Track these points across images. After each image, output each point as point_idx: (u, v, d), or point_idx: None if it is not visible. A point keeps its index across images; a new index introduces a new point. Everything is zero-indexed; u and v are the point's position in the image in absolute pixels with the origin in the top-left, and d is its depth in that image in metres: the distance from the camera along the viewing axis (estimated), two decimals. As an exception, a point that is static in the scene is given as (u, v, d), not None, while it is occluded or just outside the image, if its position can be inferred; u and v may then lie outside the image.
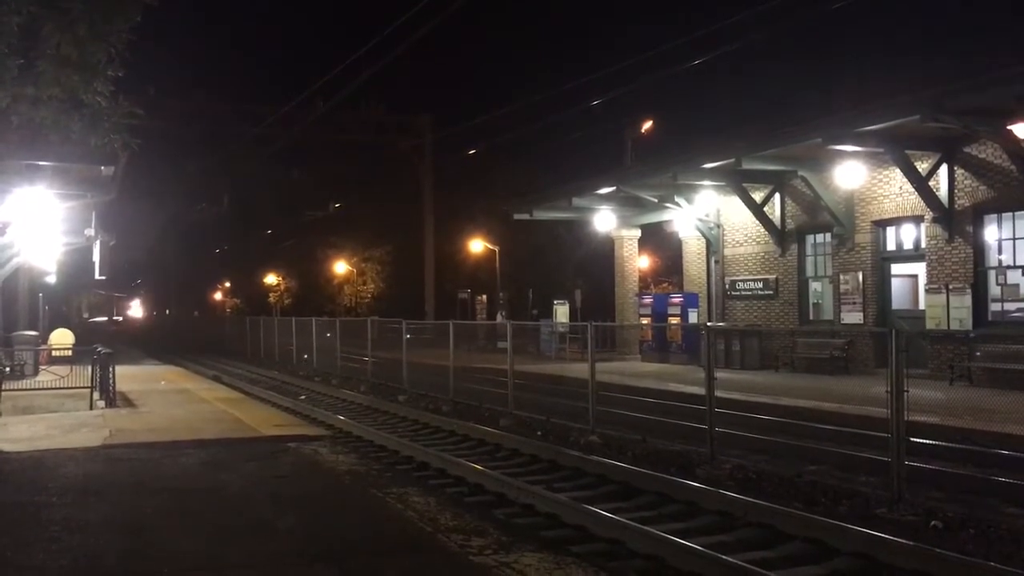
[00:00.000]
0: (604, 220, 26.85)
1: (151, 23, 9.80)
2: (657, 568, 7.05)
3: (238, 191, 62.75)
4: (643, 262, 34.68)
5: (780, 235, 22.05)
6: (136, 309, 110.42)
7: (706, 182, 22.33)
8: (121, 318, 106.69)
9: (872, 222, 19.69)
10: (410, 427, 15.54)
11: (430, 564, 6.00)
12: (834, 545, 7.26)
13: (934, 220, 18.01)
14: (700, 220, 23.88)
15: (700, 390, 12.41)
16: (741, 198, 21.99)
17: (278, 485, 8.45)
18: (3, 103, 9.20)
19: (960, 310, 17.30)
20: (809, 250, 21.89)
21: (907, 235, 19.40)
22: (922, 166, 17.87)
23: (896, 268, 20.06)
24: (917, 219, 18.75)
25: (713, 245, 24.12)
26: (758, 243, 22.81)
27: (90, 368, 16.32)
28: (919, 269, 19.22)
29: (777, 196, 22.02)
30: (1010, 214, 17.05)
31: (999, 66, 14.94)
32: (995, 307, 17.23)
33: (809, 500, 8.97)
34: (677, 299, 25.06)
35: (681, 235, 25.89)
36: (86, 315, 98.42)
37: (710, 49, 26.23)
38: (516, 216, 30.02)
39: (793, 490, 9.35)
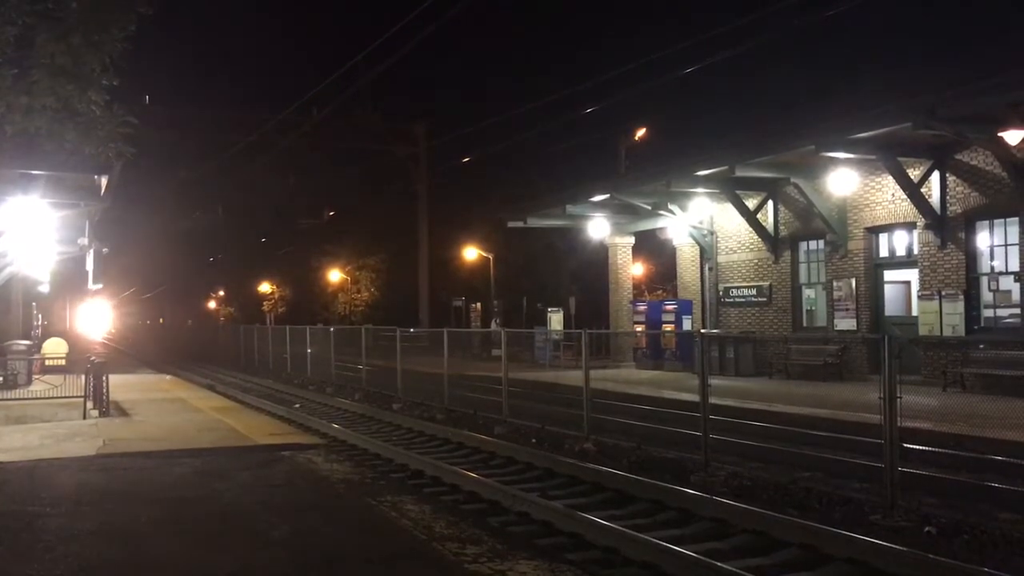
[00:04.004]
0: (598, 227, 26.89)
1: (145, 31, 9.82)
2: None
3: (232, 199, 62.66)
4: (637, 269, 34.69)
5: (773, 242, 22.11)
6: (105, 318, 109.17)
7: (700, 189, 22.39)
8: (110, 328, 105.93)
9: (865, 229, 19.76)
10: (405, 435, 15.53)
11: (425, 572, 6.00)
12: (828, 551, 7.29)
13: (926, 227, 18.09)
14: (694, 227, 23.95)
15: (694, 397, 12.45)
16: (735, 205, 22.06)
17: (272, 494, 8.44)
18: (-2, 112, 9.22)
19: (953, 316, 17.37)
20: (802, 257, 21.95)
21: (900, 242, 19.47)
22: (914, 173, 17.96)
23: (889, 275, 20.13)
24: (910, 226, 18.82)
25: (707, 252, 24.17)
26: (752, 250, 22.87)
27: (83, 377, 16.27)
28: (912, 275, 19.28)
29: (770, 203, 22.09)
30: (1002, 220, 17.11)
31: (991, 73, 15.01)
32: (988, 313, 17.30)
33: (803, 506, 9.00)
34: (671, 306, 25.14)
35: (675, 242, 25.95)
36: (79, 324, 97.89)
37: (704, 56, 26.29)
38: (510, 223, 29.95)
39: (787, 497, 9.38)
